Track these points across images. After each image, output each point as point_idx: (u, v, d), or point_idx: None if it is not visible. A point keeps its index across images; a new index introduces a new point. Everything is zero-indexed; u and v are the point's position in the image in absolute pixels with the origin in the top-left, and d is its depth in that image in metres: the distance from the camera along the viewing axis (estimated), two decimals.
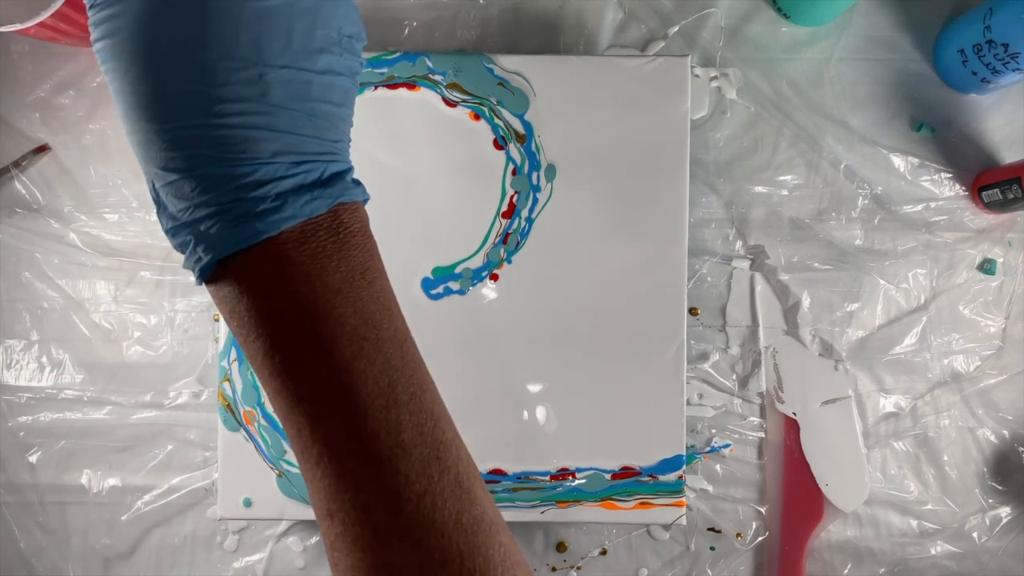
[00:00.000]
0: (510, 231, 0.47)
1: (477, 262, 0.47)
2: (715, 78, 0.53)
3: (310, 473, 0.26)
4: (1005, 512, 0.52)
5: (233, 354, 0.46)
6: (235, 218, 0.24)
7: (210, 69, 0.23)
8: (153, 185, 0.25)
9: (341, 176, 0.27)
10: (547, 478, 0.47)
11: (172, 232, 0.25)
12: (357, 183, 0.28)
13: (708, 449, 0.52)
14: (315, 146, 0.25)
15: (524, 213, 0.47)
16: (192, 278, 0.27)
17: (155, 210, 0.25)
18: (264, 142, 0.24)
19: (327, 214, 0.26)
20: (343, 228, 0.26)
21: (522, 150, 0.47)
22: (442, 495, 0.26)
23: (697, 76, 0.53)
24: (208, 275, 0.25)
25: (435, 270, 0.47)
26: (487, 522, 0.27)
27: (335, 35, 0.26)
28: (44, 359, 0.52)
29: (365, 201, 0.29)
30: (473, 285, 0.47)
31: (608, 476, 0.47)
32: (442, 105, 0.47)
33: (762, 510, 0.52)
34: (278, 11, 0.23)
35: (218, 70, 0.23)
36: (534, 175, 0.47)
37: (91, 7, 0.23)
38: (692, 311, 0.53)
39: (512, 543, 0.28)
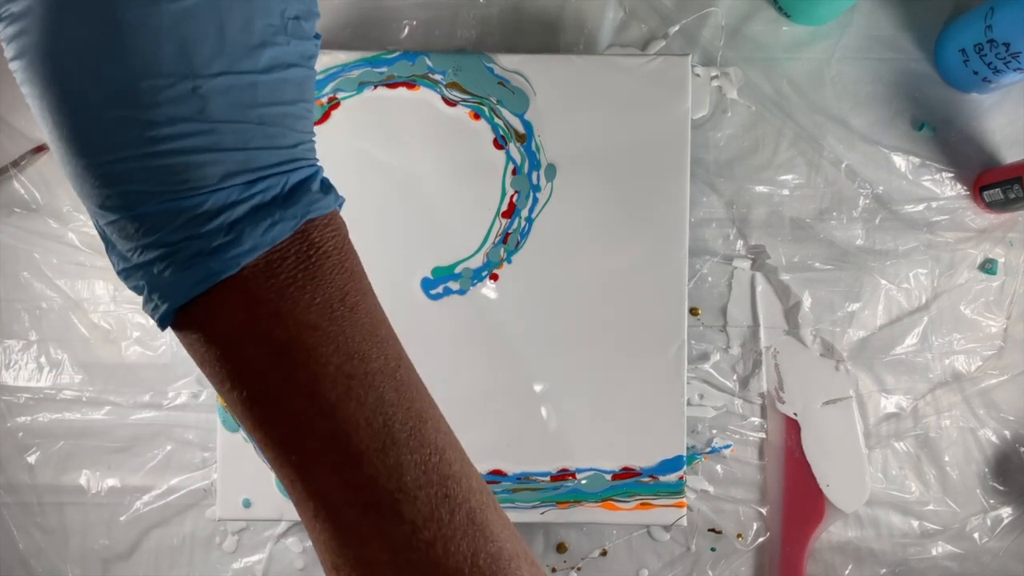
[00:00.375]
0: (510, 231, 0.47)
1: (477, 262, 0.46)
2: (716, 77, 0.53)
3: (309, 526, 0.24)
4: (1006, 513, 0.52)
5: None
6: (188, 259, 0.21)
7: (132, 90, 0.20)
8: (96, 222, 0.22)
9: (305, 186, 0.23)
10: (547, 479, 0.46)
11: (123, 275, 0.23)
12: (327, 188, 0.24)
13: (709, 450, 0.52)
14: (270, 157, 0.22)
15: (524, 213, 0.47)
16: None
17: (104, 248, 0.22)
18: (209, 166, 0.21)
19: (294, 237, 0.23)
20: (315, 250, 0.23)
21: (522, 150, 0.47)
22: (454, 538, 0.24)
23: (698, 75, 0.53)
24: (168, 323, 0.23)
25: (435, 270, 0.46)
26: (505, 557, 0.25)
27: (278, 21, 0.22)
28: (43, 359, 0.52)
29: (339, 205, 0.25)
30: (473, 285, 0.46)
31: (608, 477, 0.46)
32: (442, 104, 0.46)
33: (763, 511, 0.52)
34: (202, 8, 0.20)
35: (142, 90, 0.20)
36: (534, 175, 0.47)
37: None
38: (693, 311, 0.53)
39: (535, 568, 0.26)
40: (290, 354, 0.22)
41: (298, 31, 0.23)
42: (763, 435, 0.52)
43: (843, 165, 0.53)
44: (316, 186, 0.24)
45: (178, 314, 0.23)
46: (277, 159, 0.22)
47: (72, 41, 0.19)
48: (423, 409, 0.25)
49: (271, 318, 0.22)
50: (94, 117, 0.20)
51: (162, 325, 0.23)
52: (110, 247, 0.23)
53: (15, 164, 0.51)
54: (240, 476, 0.46)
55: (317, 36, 0.24)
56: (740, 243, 0.53)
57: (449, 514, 0.24)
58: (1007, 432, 0.53)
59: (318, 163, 0.25)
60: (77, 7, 0.19)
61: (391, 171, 0.46)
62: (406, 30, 0.53)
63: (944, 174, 0.53)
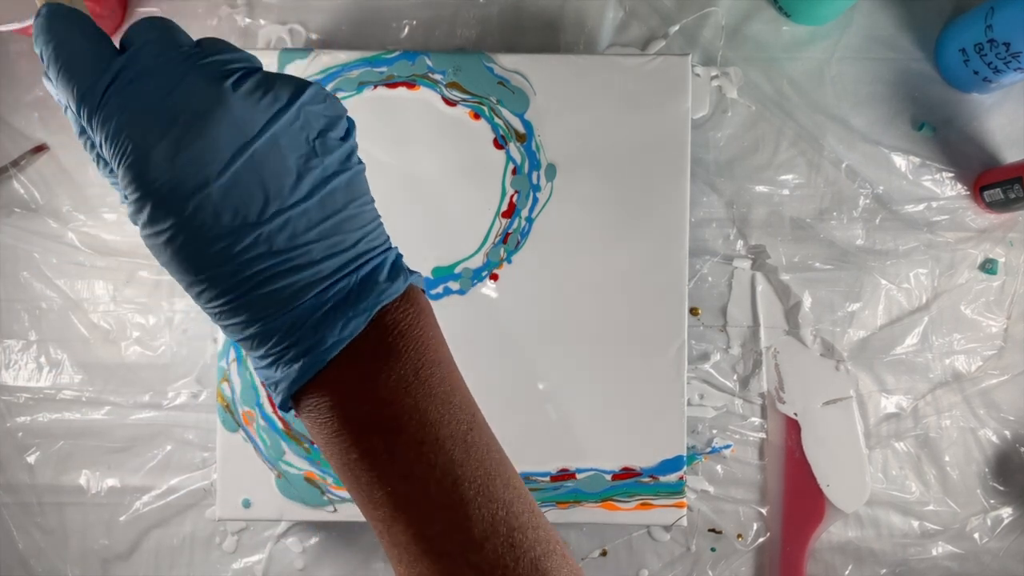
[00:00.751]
0: (510, 231, 0.47)
1: (477, 262, 0.46)
2: (716, 77, 0.53)
3: (395, 570, 0.27)
4: (1007, 513, 0.52)
5: (232, 354, 0.46)
6: (289, 361, 0.26)
7: (213, 253, 0.25)
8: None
9: (373, 278, 0.27)
10: (547, 479, 0.46)
11: (258, 374, 0.28)
12: (395, 271, 0.28)
13: (709, 450, 0.52)
14: (334, 265, 0.26)
15: (524, 213, 0.46)
16: None
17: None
18: (285, 290, 0.25)
19: (369, 324, 0.26)
20: (389, 332, 0.27)
21: (522, 149, 0.47)
22: None
23: (698, 75, 0.53)
24: (287, 409, 0.28)
25: (435, 270, 0.46)
26: None
27: (306, 148, 0.25)
28: (42, 359, 0.52)
29: (415, 281, 0.29)
30: (473, 285, 0.46)
31: (609, 477, 0.46)
32: (442, 104, 0.46)
33: (763, 511, 0.52)
34: (240, 174, 0.24)
35: (218, 252, 0.24)
36: (534, 175, 0.47)
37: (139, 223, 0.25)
38: (693, 311, 0.53)
39: None
40: (370, 428, 0.26)
41: (327, 145, 0.26)
42: (763, 435, 0.52)
43: (843, 165, 0.53)
44: (384, 275, 0.27)
45: (292, 400, 0.27)
46: (342, 263, 0.26)
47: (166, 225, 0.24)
48: (491, 467, 0.27)
49: (352, 400, 0.26)
50: (197, 277, 0.25)
51: (283, 410, 0.28)
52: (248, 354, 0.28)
53: (15, 164, 0.51)
54: (240, 476, 0.46)
55: (349, 130, 0.27)
56: (740, 243, 0.53)
57: (514, 562, 0.26)
58: (1007, 432, 0.53)
59: (387, 247, 0.28)
60: (165, 202, 0.24)
61: (391, 171, 0.46)
62: (406, 30, 0.53)
63: (944, 174, 0.53)
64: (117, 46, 0.25)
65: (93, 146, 0.26)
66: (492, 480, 0.27)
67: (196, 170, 0.24)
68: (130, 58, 0.24)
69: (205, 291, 0.25)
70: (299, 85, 0.26)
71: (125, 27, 0.52)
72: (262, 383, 0.29)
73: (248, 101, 0.24)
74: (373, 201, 0.28)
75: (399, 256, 0.29)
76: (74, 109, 0.25)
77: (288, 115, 0.25)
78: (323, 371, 0.26)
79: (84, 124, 0.25)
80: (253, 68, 0.26)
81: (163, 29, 0.25)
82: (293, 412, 0.28)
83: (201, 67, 0.24)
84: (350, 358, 0.26)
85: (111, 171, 0.26)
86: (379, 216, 0.28)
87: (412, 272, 0.29)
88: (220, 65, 0.25)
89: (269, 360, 0.27)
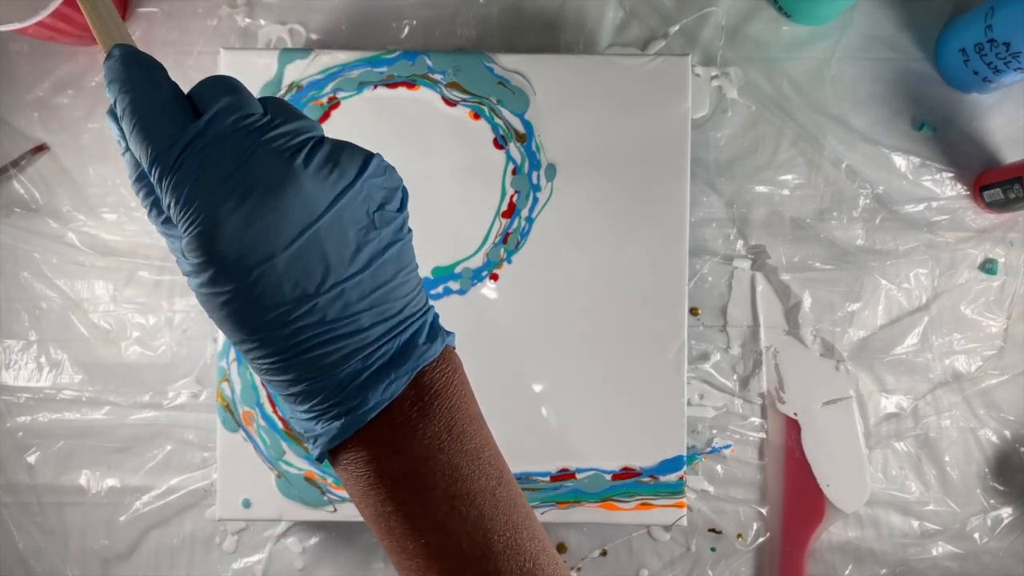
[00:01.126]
0: (510, 231, 0.47)
1: (477, 262, 0.46)
2: (716, 77, 0.53)
3: None
4: (1007, 513, 0.52)
5: (232, 354, 0.46)
6: (331, 419, 0.27)
7: (269, 320, 0.26)
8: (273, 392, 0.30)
9: (414, 341, 0.28)
10: (547, 479, 0.46)
11: (292, 422, 0.30)
12: (434, 333, 0.29)
13: (709, 450, 0.52)
14: (381, 331, 0.27)
15: (524, 213, 0.46)
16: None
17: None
18: (333, 354, 0.26)
19: (408, 387, 0.28)
20: (426, 391, 0.28)
21: (522, 149, 0.47)
22: None
23: (698, 75, 0.53)
24: (322, 461, 0.29)
25: (435, 270, 0.46)
26: None
27: (366, 221, 0.26)
28: (42, 359, 0.52)
29: (450, 341, 0.30)
30: (473, 285, 0.46)
31: (608, 477, 0.46)
32: (442, 104, 0.46)
33: (763, 511, 0.52)
34: (305, 249, 0.25)
35: (274, 319, 0.26)
36: (534, 174, 0.47)
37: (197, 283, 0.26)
38: (693, 311, 0.53)
39: None
40: (405, 483, 0.27)
41: (385, 217, 0.27)
42: (763, 435, 0.52)
43: (843, 165, 0.53)
44: (423, 337, 0.28)
45: (329, 453, 0.29)
46: (387, 329, 0.27)
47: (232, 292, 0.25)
48: (519, 521, 0.29)
49: (389, 456, 0.27)
50: (253, 337, 0.26)
51: (319, 461, 0.29)
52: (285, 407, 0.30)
53: (15, 164, 0.51)
54: (240, 476, 0.46)
55: (404, 201, 0.28)
56: (740, 243, 0.53)
57: None
58: (1007, 432, 0.53)
59: (427, 308, 0.29)
60: (227, 275, 0.25)
61: None
62: (406, 30, 0.53)
63: (944, 174, 0.53)
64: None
65: (149, 194, 0.27)
66: (519, 533, 0.28)
67: (264, 243, 0.25)
68: (206, 125, 0.25)
69: (255, 350, 0.26)
70: (364, 159, 0.27)
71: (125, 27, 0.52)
72: (298, 432, 0.31)
73: (317, 177, 0.25)
74: (418, 267, 0.29)
75: (436, 316, 0.30)
76: (145, 167, 0.25)
77: (353, 191, 0.26)
78: (359, 431, 0.27)
79: (153, 181, 0.25)
80: (320, 138, 0.27)
81: (235, 92, 0.26)
82: (327, 463, 0.29)
83: (272, 139, 0.25)
84: (387, 416, 0.27)
85: (164, 220, 0.27)
86: (421, 279, 0.29)
87: (448, 333, 0.30)
88: (290, 137, 0.26)
89: (311, 416, 0.28)
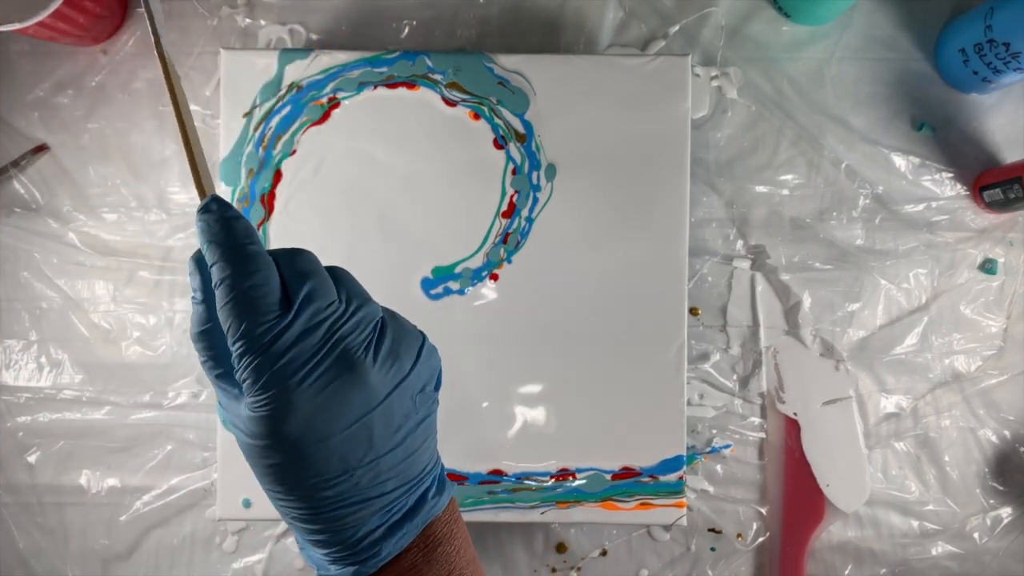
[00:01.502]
0: (510, 231, 0.47)
1: (477, 262, 0.46)
2: (716, 77, 0.53)
3: None
4: (1006, 513, 0.52)
5: None
6: (346, 564, 0.29)
7: (311, 486, 0.28)
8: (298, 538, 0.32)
9: (425, 496, 0.30)
10: (547, 478, 0.46)
11: (305, 556, 0.32)
12: (441, 486, 0.31)
13: (709, 449, 0.52)
14: (401, 491, 0.29)
15: (524, 213, 0.47)
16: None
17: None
18: (360, 512, 0.29)
19: (417, 538, 0.30)
20: (431, 539, 0.30)
21: (522, 149, 0.47)
22: None
23: (698, 75, 0.53)
24: None
25: (435, 270, 0.46)
26: None
27: (410, 404, 0.29)
28: (43, 359, 0.52)
29: (452, 492, 0.32)
30: (473, 285, 0.46)
31: (608, 476, 0.46)
32: (442, 104, 0.46)
33: (763, 511, 0.52)
34: (355, 434, 0.28)
35: (315, 485, 0.28)
36: (534, 175, 0.47)
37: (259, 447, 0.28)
38: (693, 311, 0.53)
39: None
40: None
41: (425, 398, 0.30)
42: (763, 435, 0.52)
43: (843, 165, 0.53)
44: (433, 491, 0.31)
45: None
46: (406, 489, 0.30)
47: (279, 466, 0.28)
48: None
49: None
50: (285, 495, 0.28)
51: None
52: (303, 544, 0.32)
53: (15, 164, 0.51)
54: (240, 476, 0.46)
55: (439, 379, 0.31)
56: (740, 243, 0.53)
57: None
58: (1007, 432, 0.53)
59: (437, 461, 0.32)
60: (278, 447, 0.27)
61: (391, 171, 0.46)
62: (406, 30, 0.53)
63: (944, 174, 0.53)
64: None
65: (210, 349, 0.29)
66: None
67: (324, 428, 0.27)
68: (294, 318, 0.27)
69: (288, 502, 0.29)
70: (419, 348, 0.30)
71: (125, 27, 0.52)
72: (308, 561, 0.32)
73: (380, 371, 0.28)
74: (436, 427, 0.32)
75: (443, 468, 0.33)
76: (230, 337, 0.27)
77: (407, 381, 0.29)
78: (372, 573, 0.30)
79: (233, 351, 0.27)
80: (382, 323, 0.29)
81: (316, 275, 0.28)
82: None
83: (347, 333, 0.28)
84: (397, 565, 0.30)
85: (221, 375, 0.29)
86: (436, 433, 0.32)
87: (452, 484, 0.32)
88: (361, 329, 0.28)
89: (328, 558, 0.30)
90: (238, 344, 0.27)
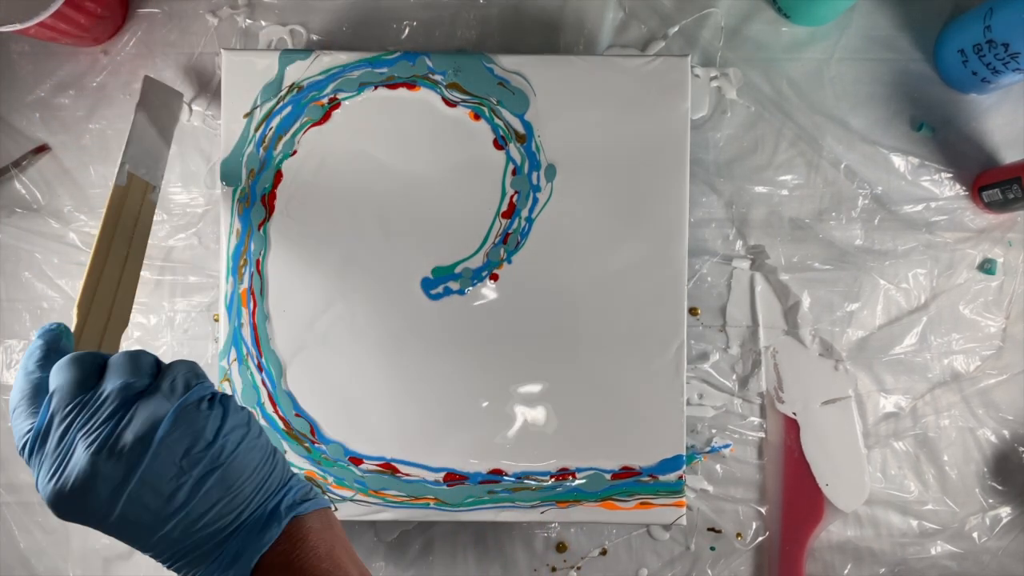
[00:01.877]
0: (510, 231, 0.47)
1: (477, 262, 0.47)
2: (715, 78, 0.53)
3: None
4: (1005, 512, 0.52)
5: (233, 354, 0.46)
6: None
7: (150, 514, 0.30)
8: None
9: (243, 548, 0.31)
10: (547, 478, 0.47)
11: None
12: (261, 529, 0.31)
13: (708, 449, 0.52)
14: (225, 534, 0.31)
15: (524, 213, 0.47)
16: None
17: None
18: (199, 551, 0.30)
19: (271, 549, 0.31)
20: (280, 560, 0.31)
21: (522, 150, 0.47)
22: None
23: (697, 76, 0.53)
24: None
25: (435, 270, 0.47)
26: None
27: (176, 468, 0.30)
28: None
29: (322, 506, 0.33)
30: (473, 285, 0.47)
31: (608, 476, 0.46)
32: (442, 105, 0.47)
33: (762, 510, 0.52)
34: (137, 493, 0.29)
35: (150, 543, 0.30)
36: (534, 175, 0.47)
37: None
38: (692, 311, 0.53)
39: None
40: None
41: (195, 458, 0.30)
42: (762, 435, 0.53)
43: (842, 165, 0.53)
44: (239, 538, 0.31)
45: None
46: (203, 551, 0.31)
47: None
48: None
49: None
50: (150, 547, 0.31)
51: None
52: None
53: (16, 164, 0.52)
54: None
55: (216, 434, 0.31)
56: (739, 243, 0.53)
57: None
58: (1006, 432, 0.53)
59: (258, 503, 0.32)
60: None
61: (391, 171, 0.46)
62: (406, 30, 0.53)
63: (943, 174, 0.53)
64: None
65: (33, 443, 0.30)
66: None
67: (99, 508, 0.29)
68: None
69: (155, 544, 0.30)
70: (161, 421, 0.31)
71: (126, 27, 0.52)
72: None
73: (110, 462, 0.29)
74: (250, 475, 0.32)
75: (282, 500, 0.33)
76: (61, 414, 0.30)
77: (154, 454, 0.30)
78: None
79: (57, 427, 0.30)
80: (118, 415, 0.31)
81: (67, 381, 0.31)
82: None
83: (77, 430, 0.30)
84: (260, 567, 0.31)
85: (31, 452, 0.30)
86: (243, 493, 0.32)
87: (323, 500, 0.34)
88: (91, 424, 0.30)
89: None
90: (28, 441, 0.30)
